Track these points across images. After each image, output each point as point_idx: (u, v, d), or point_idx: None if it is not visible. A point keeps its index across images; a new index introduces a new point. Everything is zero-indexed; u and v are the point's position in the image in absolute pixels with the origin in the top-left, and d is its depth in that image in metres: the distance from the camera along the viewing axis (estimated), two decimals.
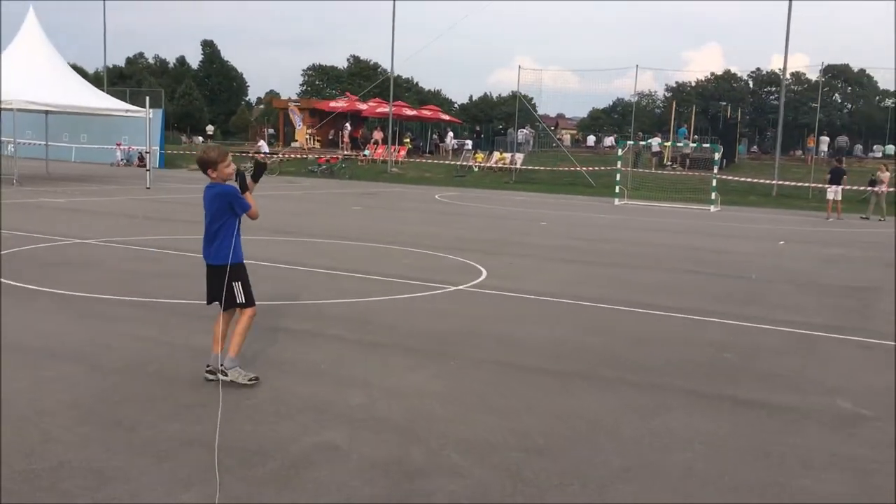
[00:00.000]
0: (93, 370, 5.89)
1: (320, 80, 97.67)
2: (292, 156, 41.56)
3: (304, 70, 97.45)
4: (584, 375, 6.31)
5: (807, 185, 31.02)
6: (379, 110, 45.93)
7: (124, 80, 76.03)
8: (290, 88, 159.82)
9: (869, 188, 25.80)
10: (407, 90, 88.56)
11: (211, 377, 5.61)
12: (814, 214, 26.21)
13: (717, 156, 28.69)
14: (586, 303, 9.25)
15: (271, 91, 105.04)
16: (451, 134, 43.02)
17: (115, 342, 6.66)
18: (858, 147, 39.81)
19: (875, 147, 40.49)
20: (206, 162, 5.49)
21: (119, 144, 39.88)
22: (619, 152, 29.89)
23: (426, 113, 44.87)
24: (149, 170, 26.04)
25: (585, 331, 7.92)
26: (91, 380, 5.67)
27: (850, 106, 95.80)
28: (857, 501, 4.17)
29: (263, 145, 40.47)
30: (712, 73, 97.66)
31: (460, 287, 9.90)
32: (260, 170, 5.72)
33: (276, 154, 42.01)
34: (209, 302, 5.71)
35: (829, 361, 7.15)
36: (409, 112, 46.64)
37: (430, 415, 5.21)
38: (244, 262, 5.72)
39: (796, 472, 4.51)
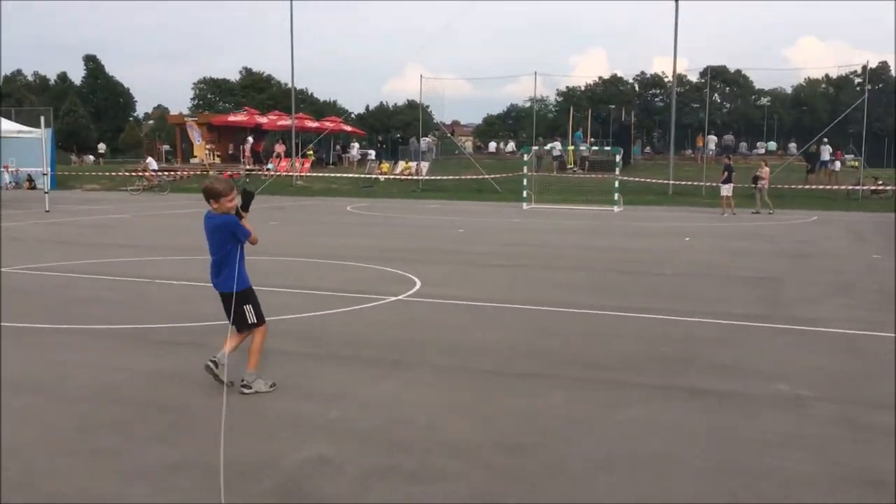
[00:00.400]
0: (58, 400, 5.76)
1: (212, 93, 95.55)
2: (191, 173, 40.66)
3: (194, 84, 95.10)
4: (543, 375, 6.57)
5: (700, 183, 32.55)
6: (280, 123, 45.44)
7: (2, 98, 72.51)
8: (179, 102, 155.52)
9: (752, 185, 27.30)
10: (302, 101, 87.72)
11: (213, 370, 5.79)
12: (709, 210, 27.52)
13: (617, 157, 29.75)
14: (526, 306, 9.54)
15: (160, 106, 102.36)
16: (356, 145, 43.01)
17: (69, 372, 6.51)
18: (743, 145, 41.95)
19: (759, 144, 42.86)
20: (213, 192, 5.72)
21: (7, 167, 38.07)
22: (525, 157, 30.57)
23: (328, 124, 44.66)
24: (46, 192, 25.03)
25: (533, 333, 8.20)
26: (59, 410, 5.56)
27: (728, 105, 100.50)
28: (822, 474, 4.55)
29: (152, 162, 39.39)
30: (600, 77, 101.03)
31: (400, 297, 10.03)
32: (248, 199, 5.93)
33: (175, 171, 41.03)
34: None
35: (762, 348, 7.65)
36: (312, 124, 46.34)
37: (410, 422, 5.35)
38: (251, 285, 5.97)
39: (760, 451, 4.86)
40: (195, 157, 45.48)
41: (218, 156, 44.83)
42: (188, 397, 5.82)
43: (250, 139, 44.97)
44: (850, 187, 31.40)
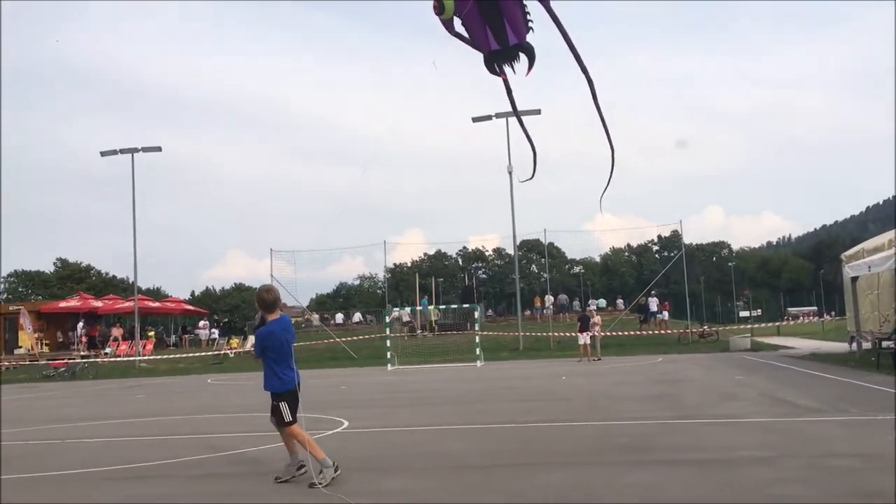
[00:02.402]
0: None
1: (24, 286, 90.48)
2: (15, 364, 38.01)
3: (4, 277, 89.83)
4: (540, 464, 7.12)
5: (547, 333, 34.55)
6: (117, 306, 43.85)
7: None
8: None
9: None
10: (123, 290, 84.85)
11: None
12: (565, 360, 29.14)
13: (476, 314, 31.19)
14: (470, 425, 10.04)
15: None
16: (206, 323, 42.09)
17: None
18: (576, 303, 45.10)
19: (590, 301, 46.28)
20: (270, 302, 6.76)
21: None
22: (388, 319, 31.45)
23: (170, 305, 43.64)
24: None
25: (499, 441, 8.72)
26: None
27: (546, 275, 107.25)
28: (821, 495, 5.42)
29: None
30: (425, 253, 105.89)
31: (339, 430, 10.23)
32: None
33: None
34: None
35: (705, 433, 8.62)
36: (153, 305, 45.06)
37: None
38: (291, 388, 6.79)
39: (758, 490, 5.69)
40: (20, 346, 42.56)
41: (46, 344, 42.21)
42: None
43: (82, 324, 42.87)
44: (680, 332, 34.48)
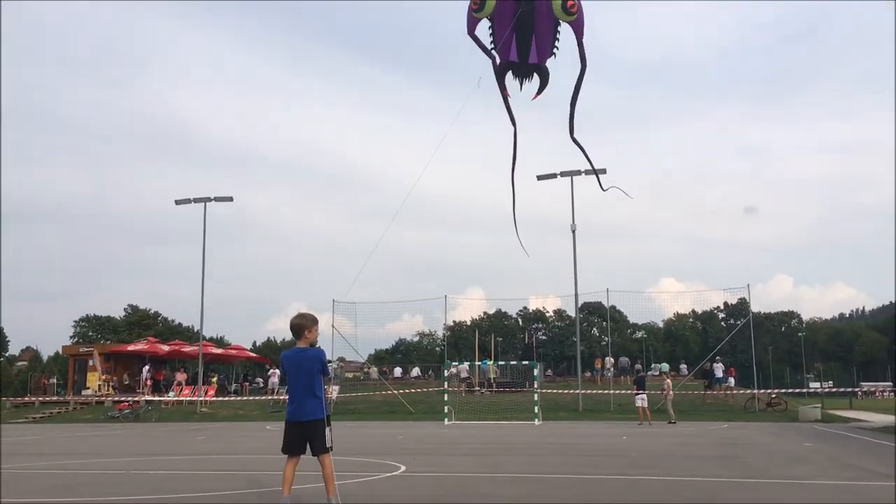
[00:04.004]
0: None
1: (94, 330, 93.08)
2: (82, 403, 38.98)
3: (75, 321, 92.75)
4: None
5: (608, 391, 33.94)
6: (183, 350, 44.70)
7: None
8: (54, 342, 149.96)
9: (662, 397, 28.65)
10: (188, 337, 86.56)
11: None
12: (624, 423, 28.53)
13: (535, 371, 30.92)
14: (529, 474, 9.89)
15: (28, 348, 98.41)
16: (276, 371, 42.30)
17: None
18: (639, 367, 44.15)
19: (653, 365, 45.31)
20: (300, 328, 6.69)
21: None
22: (446, 373, 31.38)
23: (232, 352, 44.31)
24: None
25: (559, 490, 8.57)
26: None
27: (607, 338, 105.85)
28: None
29: None
30: (485, 313, 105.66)
31: (395, 473, 10.19)
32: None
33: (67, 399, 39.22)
34: (287, 452, 6.15)
35: (762, 492, 8.31)
36: (216, 351, 45.78)
37: None
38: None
39: None
40: (87, 388, 43.65)
41: (113, 386, 43.18)
42: None
43: (147, 367, 43.77)
44: (747, 400, 33.45)
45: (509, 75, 7.52)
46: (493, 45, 6.35)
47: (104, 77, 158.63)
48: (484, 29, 6.73)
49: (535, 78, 6.24)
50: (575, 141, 5.51)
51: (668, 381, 29.41)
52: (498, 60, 6.24)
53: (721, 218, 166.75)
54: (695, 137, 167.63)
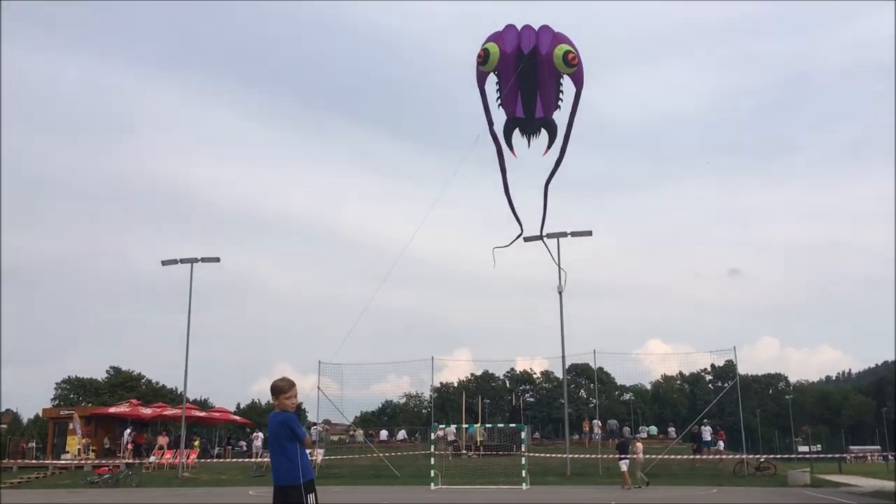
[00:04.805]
0: None
1: (75, 392, 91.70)
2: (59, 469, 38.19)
3: (57, 383, 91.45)
4: None
5: (596, 456, 33.60)
6: (165, 413, 44.05)
7: None
8: (33, 403, 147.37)
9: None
10: (171, 399, 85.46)
11: None
12: (612, 488, 28.19)
13: (522, 434, 30.59)
14: None
15: (8, 411, 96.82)
16: (259, 434, 41.69)
17: None
18: (626, 429, 43.83)
19: (641, 428, 44.98)
20: (276, 389, 6.51)
21: None
22: (432, 436, 30.99)
23: (216, 415, 43.67)
24: None
25: None
26: None
27: (594, 400, 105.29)
28: None
29: None
30: (472, 374, 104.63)
31: None
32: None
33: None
34: None
35: None
36: (200, 414, 45.11)
37: None
38: (313, 477, 6.50)
39: None
40: (66, 451, 42.83)
41: (93, 450, 42.37)
42: None
43: (129, 430, 43.04)
44: (736, 464, 33.17)
45: (517, 134, 7.68)
46: (499, 101, 6.50)
47: (87, 141, 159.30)
48: (492, 85, 6.90)
49: (543, 133, 6.37)
50: (546, 191, 5.62)
51: (639, 444, 29.26)
52: (495, 124, 6.39)
53: (707, 280, 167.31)
54: (682, 202, 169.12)
